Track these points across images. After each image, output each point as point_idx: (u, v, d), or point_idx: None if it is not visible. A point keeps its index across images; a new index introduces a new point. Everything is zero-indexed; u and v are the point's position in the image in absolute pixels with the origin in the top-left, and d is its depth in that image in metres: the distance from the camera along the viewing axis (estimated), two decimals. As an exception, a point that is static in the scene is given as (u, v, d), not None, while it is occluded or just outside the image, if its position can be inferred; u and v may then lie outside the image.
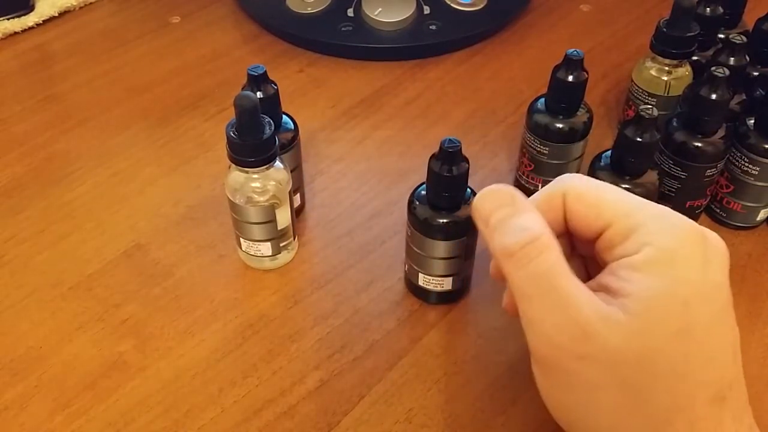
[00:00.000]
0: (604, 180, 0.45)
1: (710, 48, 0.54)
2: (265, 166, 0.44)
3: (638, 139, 0.43)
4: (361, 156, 0.58)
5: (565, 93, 0.48)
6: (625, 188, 0.44)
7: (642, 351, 0.29)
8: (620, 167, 0.45)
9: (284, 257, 0.49)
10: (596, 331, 0.30)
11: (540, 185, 0.52)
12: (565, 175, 0.34)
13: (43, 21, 0.71)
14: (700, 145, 0.47)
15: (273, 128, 0.43)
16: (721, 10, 0.54)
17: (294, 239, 0.50)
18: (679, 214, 0.32)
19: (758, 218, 0.52)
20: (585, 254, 0.36)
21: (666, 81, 0.53)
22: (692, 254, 0.30)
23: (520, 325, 0.46)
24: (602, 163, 0.46)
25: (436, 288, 0.46)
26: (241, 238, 0.48)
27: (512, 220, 0.32)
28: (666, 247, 0.30)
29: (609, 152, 0.46)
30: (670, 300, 0.29)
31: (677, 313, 0.29)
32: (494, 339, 0.46)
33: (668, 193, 0.50)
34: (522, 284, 0.31)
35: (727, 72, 0.45)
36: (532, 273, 0.31)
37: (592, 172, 0.46)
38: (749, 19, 0.56)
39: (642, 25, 0.72)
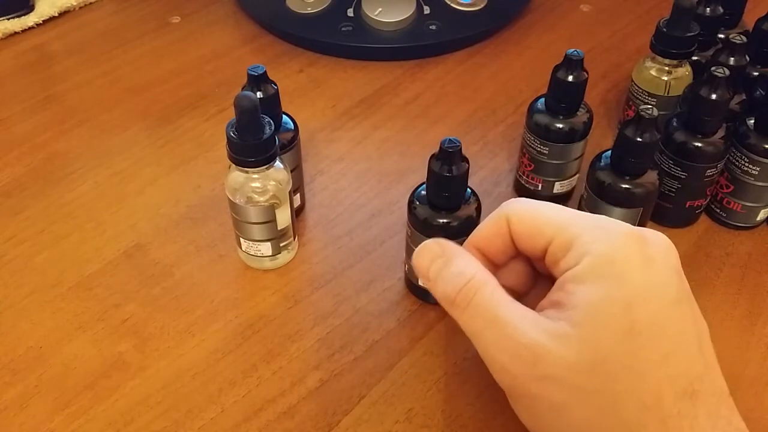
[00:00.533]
0: (604, 180, 0.45)
1: (710, 48, 0.54)
2: (265, 166, 0.44)
3: (638, 139, 0.43)
4: (361, 156, 0.58)
5: (565, 93, 0.48)
6: (625, 188, 0.45)
7: (595, 359, 0.30)
8: (620, 167, 0.45)
9: (284, 257, 0.49)
10: (546, 350, 0.30)
11: (540, 185, 0.52)
12: (507, 200, 0.35)
13: (43, 21, 0.71)
14: (700, 145, 0.47)
15: (273, 128, 0.43)
16: (721, 10, 0.54)
17: (294, 239, 0.50)
18: (615, 220, 0.33)
19: (758, 218, 0.52)
20: (545, 273, 0.37)
21: (666, 81, 0.53)
22: (630, 256, 0.31)
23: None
24: (602, 163, 0.46)
25: (436, 288, 0.46)
26: (241, 238, 0.48)
27: (446, 269, 0.34)
28: (603, 254, 0.31)
29: (609, 152, 0.46)
30: (611, 304, 0.30)
31: (620, 315, 0.30)
32: (494, 339, 0.46)
33: (668, 193, 0.50)
34: (468, 325, 0.33)
35: (727, 72, 0.45)
36: (473, 312, 0.32)
37: (592, 172, 0.46)
38: (749, 19, 0.56)
39: (642, 25, 0.72)
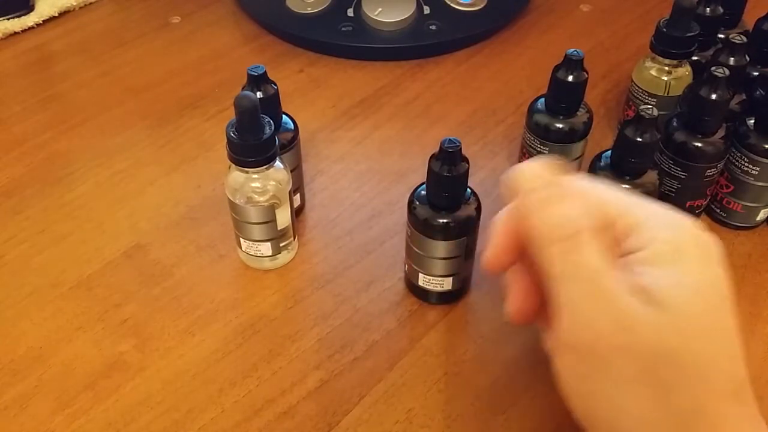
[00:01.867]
0: (604, 180, 0.45)
1: (710, 48, 0.54)
2: (265, 166, 0.44)
3: (638, 139, 0.43)
4: (361, 156, 0.58)
5: (565, 93, 0.48)
6: (625, 188, 0.45)
7: (674, 346, 0.29)
8: (620, 167, 0.45)
9: (284, 257, 0.49)
10: (638, 322, 0.30)
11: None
12: (565, 178, 0.34)
13: (43, 21, 0.71)
14: (700, 145, 0.47)
15: (273, 128, 0.43)
16: (721, 10, 0.54)
17: (294, 239, 0.50)
18: (675, 212, 0.32)
19: (758, 218, 0.52)
20: None
21: (666, 81, 0.53)
22: (693, 249, 0.31)
23: (519, 325, 0.46)
24: (602, 163, 0.46)
25: (436, 288, 0.46)
26: (241, 238, 0.48)
27: (557, 206, 0.32)
28: (670, 242, 0.31)
29: (609, 152, 0.46)
30: (682, 291, 0.30)
31: (691, 302, 0.30)
32: (494, 339, 0.46)
33: (668, 193, 0.50)
34: (566, 269, 0.31)
35: (727, 72, 0.45)
36: (577, 261, 0.31)
37: (592, 172, 0.46)
38: (749, 19, 0.56)
39: (642, 25, 0.72)
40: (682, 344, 0.29)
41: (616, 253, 0.32)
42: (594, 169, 0.46)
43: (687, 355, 0.29)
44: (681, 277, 0.30)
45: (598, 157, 0.47)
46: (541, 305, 0.35)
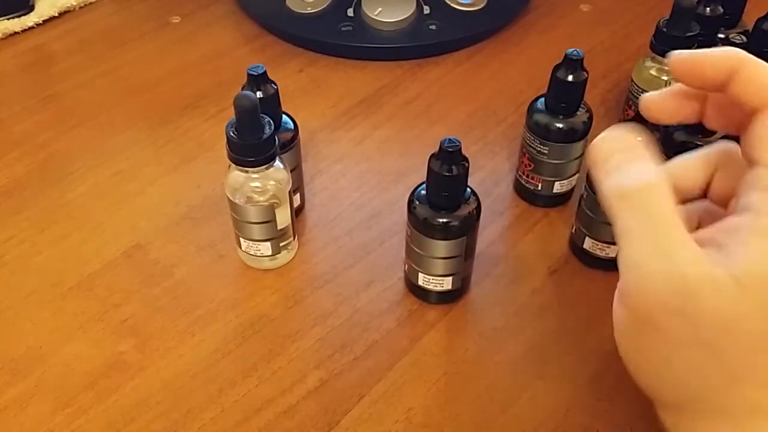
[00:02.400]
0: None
1: (710, 48, 0.54)
2: (264, 166, 0.44)
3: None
4: (361, 156, 0.58)
5: (565, 93, 0.48)
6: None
7: (734, 321, 0.28)
8: None
9: (284, 257, 0.49)
10: (699, 291, 0.28)
11: (540, 185, 0.52)
12: (738, 52, 0.32)
13: (43, 21, 0.71)
14: (700, 144, 0.47)
15: (273, 128, 0.43)
16: (721, 10, 0.54)
17: (294, 239, 0.50)
18: None
19: None
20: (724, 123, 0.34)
21: (666, 81, 0.53)
22: None
23: (520, 325, 0.46)
24: None
25: (436, 287, 0.46)
26: (241, 238, 0.48)
27: (631, 163, 0.32)
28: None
29: None
30: None
31: None
32: (494, 339, 0.46)
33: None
34: (631, 225, 0.30)
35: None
36: (643, 216, 0.30)
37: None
38: (749, 19, 0.56)
39: (642, 25, 0.72)
40: (746, 322, 0.28)
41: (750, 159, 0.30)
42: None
43: (747, 331, 0.28)
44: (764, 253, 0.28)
45: None
46: None
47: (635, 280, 0.30)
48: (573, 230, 0.50)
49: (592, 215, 0.47)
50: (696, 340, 0.29)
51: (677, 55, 0.33)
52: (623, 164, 0.32)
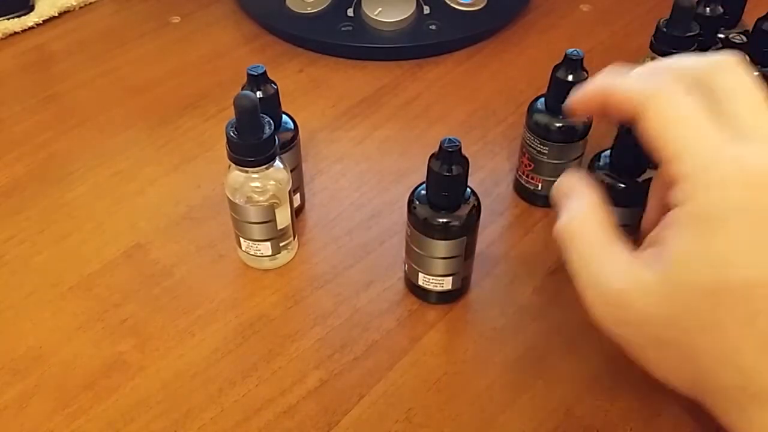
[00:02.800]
0: (603, 180, 0.45)
1: (710, 48, 0.54)
2: (264, 166, 0.44)
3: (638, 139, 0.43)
4: (361, 156, 0.58)
5: (565, 93, 0.48)
6: (624, 188, 0.45)
7: (671, 314, 0.30)
8: (619, 167, 0.45)
9: (284, 257, 0.49)
10: (628, 300, 0.31)
11: (540, 185, 0.52)
12: (647, 89, 0.32)
13: (43, 21, 0.71)
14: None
15: (273, 128, 0.43)
16: (721, 10, 0.54)
17: (294, 239, 0.50)
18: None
19: None
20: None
21: (666, 81, 0.53)
22: (748, 204, 0.29)
23: (520, 325, 0.46)
24: (601, 163, 0.46)
25: (436, 288, 0.46)
26: (240, 238, 0.48)
27: (567, 203, 0.35)
28: (710, 204, 0.29)
29: (608, 152, 0.46)
30: (702, 260, 0.29)
31: (709, 273, 0.29)
32: (494, 339, 0.46)
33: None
34: (570, 259, 0.34)
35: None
36: (574, 248, 0.34)
37: (591, 171, 0.46)
38: (749, 19, 0.56)
39: (642, 25, 0.72)
40: (687, 311, 0.30)
41: (667, 196, 0.31)
42: (593, 168, 0.46)
43: (693, 320, 0.30)
44: (706, 243, 0.29)
45: (597, 156, 0.47)
46: None
47: (586, 306, 0.33)
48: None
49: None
50: (653, 342, 0.31)
51: (574, 96, 0.38)
52: (563, 205, 0.35)
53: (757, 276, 0.28)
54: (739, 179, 0.29)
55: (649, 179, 0.45)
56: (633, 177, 0.45)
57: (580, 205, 0.34)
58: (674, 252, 0.30)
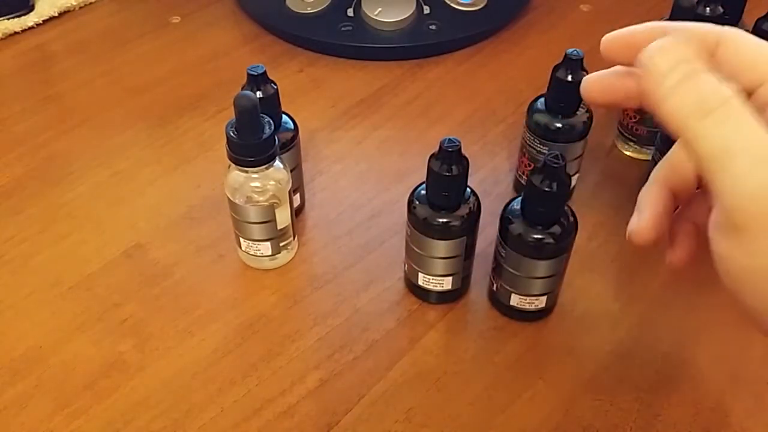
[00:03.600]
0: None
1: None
2: (264, 166, 0.44)
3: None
4: (361, 156, 0.58)
5: (565, 93, 0.48)
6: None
7: None
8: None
9: (284, 257, 0.49)
10: None
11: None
12: (722, 27, 0.32)
13: (43, 21, 0.71)
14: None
15: (273, 128, 0.43)
16: (721, 10, 0.54)
17: (294, 239, 0.50)
18: None
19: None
20: None
21: (666, 81, 0.53)
22: None
23: (520, 325, 0.46)
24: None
25: (435, 287, 0.46)
26: (240, 238, 0.48)
27: (704, 75, 0.30)
28: None
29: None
30: None
31: None
32: (494, 339, 0.46)
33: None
34: (722, 142, 0.29)
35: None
36: (734, 128, 0.29)
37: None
38: (749, 19, 0.56)
39: (642, 25, 0.72)
40: None
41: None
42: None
43: None
44: None
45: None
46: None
47: (741, 195, 0.29)
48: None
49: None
50: None
51: (607, 35, 0.34)
52: (697, 75, 0.30)
53: None
54: None
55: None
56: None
57: (723, 82, 0.30)
58: None
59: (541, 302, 0.45)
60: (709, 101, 0.29)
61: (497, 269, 0.45)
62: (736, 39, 0.32)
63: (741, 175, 0.28)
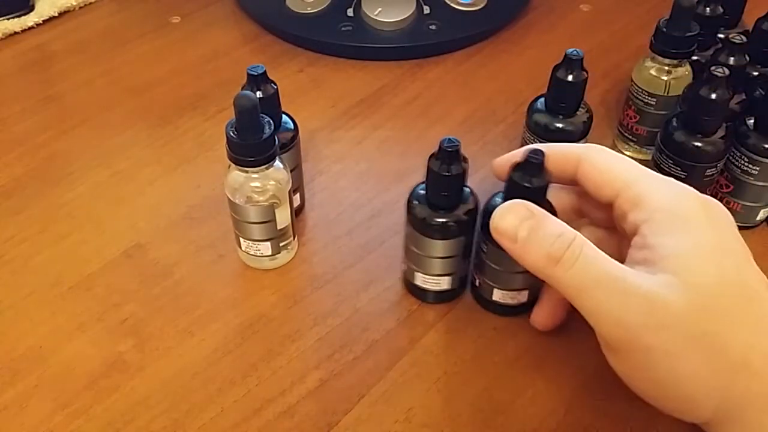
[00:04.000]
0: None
1: (710, 48, 0.54)
2: (264, 166, 0.44)
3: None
4: (361, 156, 0.58)
5: (564, 93, 0.48)
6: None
7: (702, 303, 0.31)
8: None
9: (284, 257, 0.49)
10: (661, 299, 0.31)
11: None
12: (583, 144, 0.37)
13: (43, 21, 0.71)
14: (699, 145, 0.47)
15: (273, 128, 0.43)
16: (721, 10, 0.54)
17: (294, 239, 0.50)
18: (679, 183, 0.35)
19: (758, 218, 0.52)
20: (595, 219, 0.39)
21: (666, 81, 0.53)
22: (698, 215, 0.33)
23: (520, 325, 0.46)
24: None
25: (434, 287, 0.46)
26: (240, 238, 0.48)
27: (541, 230, 0.34)
28: (673, 211, 0.33)
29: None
30: (700, 253, 0.32)
31: (711, 263, 0.31)
32: (494, 339, 0.46)
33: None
34: (576, 282, 0.33)
35: (727, 72, 0.45)
36: (581, 270, 0.32)
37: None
38: (749, 19, 0.56)
39: (642, 25, 0.72)
40: (711, 298, 0.31)
41: (623, 224, 0.35)
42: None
43: (718, 307, 0.31)
44: (694, 241, 0.32)
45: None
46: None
47: (607, 323, 0.33)
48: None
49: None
50: (686, 344, 0.31)
51: (495, 160, 0.40)
52: (536, 231, 0.34)
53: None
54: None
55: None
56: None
57: (567, 227, 0.35)
58: (675, 252, 0.32)
59: (524, 296, 0.45)
60: (555, 250, 0.33)
61: (479, 265, 0.45)
62: (594, 157, 0.37)
63: (600, 307, 0.32)
